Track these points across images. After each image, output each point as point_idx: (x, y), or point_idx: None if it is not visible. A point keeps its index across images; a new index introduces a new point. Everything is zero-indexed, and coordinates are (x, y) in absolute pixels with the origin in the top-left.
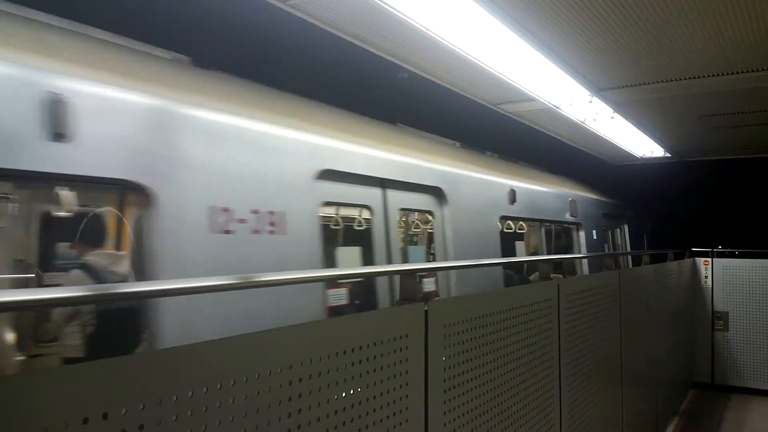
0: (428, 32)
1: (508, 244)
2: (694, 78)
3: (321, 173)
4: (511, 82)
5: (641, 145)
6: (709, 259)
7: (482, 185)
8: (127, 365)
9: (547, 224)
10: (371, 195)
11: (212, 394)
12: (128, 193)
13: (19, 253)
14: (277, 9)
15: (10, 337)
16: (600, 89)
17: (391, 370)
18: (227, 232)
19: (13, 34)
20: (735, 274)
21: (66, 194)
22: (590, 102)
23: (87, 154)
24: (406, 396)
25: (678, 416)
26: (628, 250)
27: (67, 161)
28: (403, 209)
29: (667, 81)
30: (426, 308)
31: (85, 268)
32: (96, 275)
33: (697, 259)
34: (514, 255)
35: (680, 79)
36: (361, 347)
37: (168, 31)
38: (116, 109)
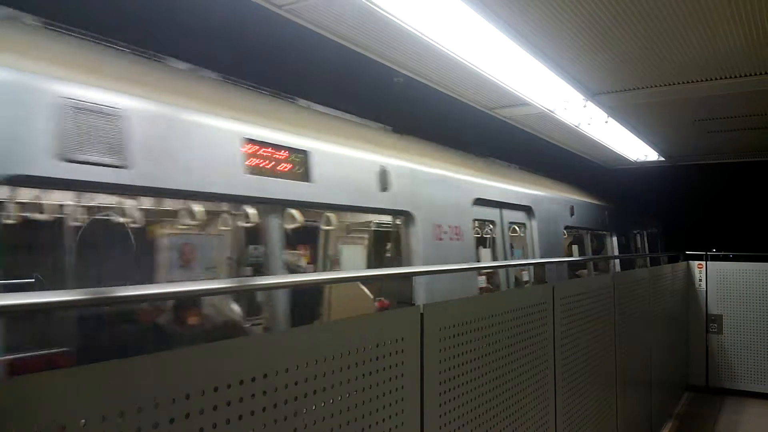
0: (423, 36)
1: (568, 246)
2: (688, 82)
3: (474, 201)
4: (505, 86)
5: (635, 149)
6: (704, 263)
7: (555, 203)
8: (133, 367)
9: (592, 231)
10: (495, 214)
11: (209, 398)
12: (404, 216)
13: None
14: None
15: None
16: (594, 93)
17: (387, 373)
18: (440, 239)
19: (363, 136)
20: (729, 277)
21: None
22: (584, 106)
23: (394, 198)
24: (402, 399)
25: (672, 419)
26: (647, 252)
27: (387, 201)
28: (510, 222)
29: (660, 85)
30: (422, 312)
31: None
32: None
33: (691, 262)
34: (571, 255)
35: (674, 84)
36: (357, 350)
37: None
38: (398, 171)
